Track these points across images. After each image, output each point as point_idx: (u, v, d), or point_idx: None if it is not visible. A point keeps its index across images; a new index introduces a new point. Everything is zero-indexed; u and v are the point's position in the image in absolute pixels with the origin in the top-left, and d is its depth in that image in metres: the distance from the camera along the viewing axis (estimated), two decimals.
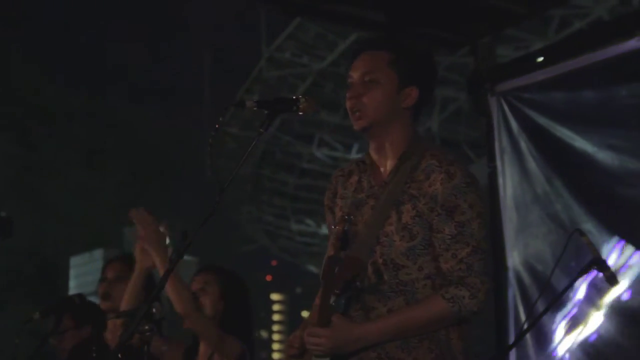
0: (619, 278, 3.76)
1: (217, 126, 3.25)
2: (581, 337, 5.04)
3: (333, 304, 2.98)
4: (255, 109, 3.08)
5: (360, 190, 3.19)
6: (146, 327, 3.36)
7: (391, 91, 3.12)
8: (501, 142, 5.65)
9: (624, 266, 4.85)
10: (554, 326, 5.15)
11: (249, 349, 4.30)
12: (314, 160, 30.59)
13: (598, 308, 4.96)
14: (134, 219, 4.17)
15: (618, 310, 4.89)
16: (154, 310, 3.31)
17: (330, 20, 7.22)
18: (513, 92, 5.60)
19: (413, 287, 3.01)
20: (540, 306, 4.40)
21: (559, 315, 5.12)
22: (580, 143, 5.15)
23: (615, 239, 4.92)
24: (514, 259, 5.48)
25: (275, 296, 74.49)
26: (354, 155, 29.25)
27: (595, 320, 4.98)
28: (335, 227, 3.15)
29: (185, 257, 3.06)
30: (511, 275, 5.47)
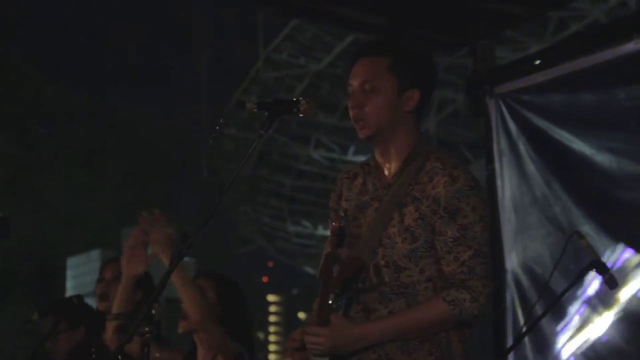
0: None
1: (217, 128, 3.25)
2: (587, 341, 5.02)
3: (333, 304, 2.98)
4: (255, 110, 3.09)
5: (364, 193, 3.19)
6: (146, 329, 3.36)
7: (392, 97, 3.11)
8: (500, 144, 5.65)
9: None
10: (557, 328, 5.14)
11: (249, 351, 4.31)
12: (311, 161, 30.54)
13: (606, 310, 4.94)
14: (145, 222, 4.13)
15: (627, 314, 4.88)
16: (153, 311, 3.31)
17: (329, 22, 7.21)
18: (512, 94, 5.60)
19: (414, 290, 3.01)
20: (539, 309, 4.40)
21: (566, 317, 5.10)
22: (579, 145, 5.15)
23: (615, 241, 4.92)
24: (512, 261, 5.48)
25: (271, 297, 74.39)
26: (351, 156, 29.23)
27: (602, 324, 4.96)
28: (331, 223, 3.15)
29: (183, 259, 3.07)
30: (509, 277, 5.46)
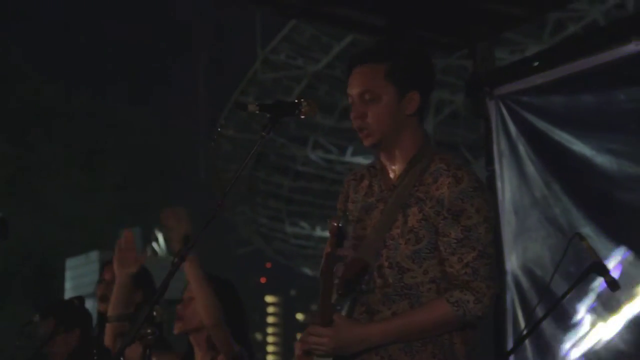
0: None
1: (219, 130, 3.25)
2: (593, 346, 5.00)
3: (337, 305, 2.98)
4: (257, 112, 3.09)
5: (370, 195, 3.19)
6: (148, 331, 3.35)
7: (393, 103, 3.10)
8: (500, 145, 5.65)
9: None
10: (559, 331, 5.12)
11: (248, 351, 4.31)
12: (309, 162, 30.52)
13: (611, 314, 4.93)
14: (168, 219, 4.11)
15: (633, 318, 4.87)
16: (154, 313, 3.30)
17: (329, 23, 7.20)
18: (512, 95, 5.60)
19: (418, 291, 3.01)
20: (539, 311, 4.39)
21: (569, 321, 5.08)
22: (579, 147, 5.15)
23: (614, 243, 4.91)
24: (512, 263, 5.48)
25: (269, 298, 74.37)
26: (349, 157, 29.21)
27: (608, 328, 4.95)
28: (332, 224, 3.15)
29: None
30: (509, 279, 5.46)
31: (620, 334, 4.89)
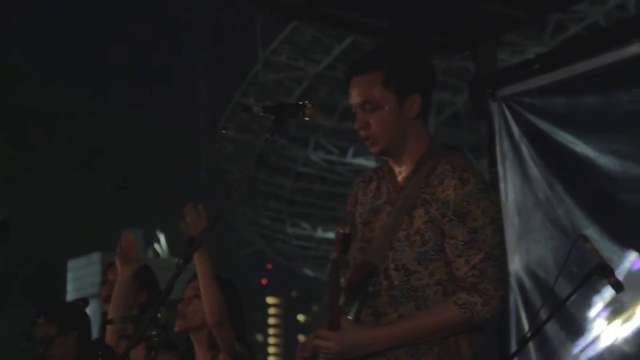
0: None
1: (223, 131, 3.25)
2: (600, 348, 4.99)
3: (344, 308, 2.98)
4: (261, 114, 3.09)
5: (378, 197, 3.19)
6: (153, 333, 3.35)
7: (395, 109, 3.09)
8: (502, 147, 5.64)
9: None
10: (564, 334, 5.10)
11: (248, 351, 4.32)
12: (310, 163, 30.54)
13: (618, 317, 4.91)
14: (188, 216, 4.11)
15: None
16: (159, 315, 3.30)
17: (330, 24, 7.20)
18: (514, 97, 5.59)
19: (424, 293, 3.00)
20: (543, 314, 4.38)
21: (575, 323, 5.06)
22: (582, 148, 5.15)
23: (618, 244, 4.90)
24: (515, 264, 5.47)
25: (270, 300, 74.45)
26: (350, 158, 29.22)
27: (615, 331, 4.93)
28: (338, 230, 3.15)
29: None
30: (513, 280, 5.45)
31: (625, 337, 4.89)
